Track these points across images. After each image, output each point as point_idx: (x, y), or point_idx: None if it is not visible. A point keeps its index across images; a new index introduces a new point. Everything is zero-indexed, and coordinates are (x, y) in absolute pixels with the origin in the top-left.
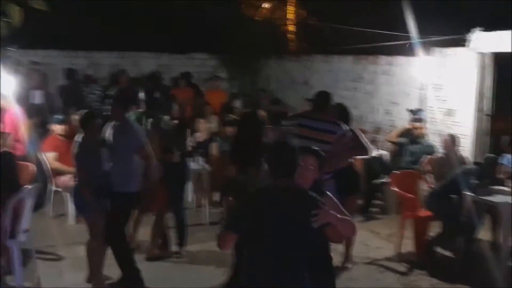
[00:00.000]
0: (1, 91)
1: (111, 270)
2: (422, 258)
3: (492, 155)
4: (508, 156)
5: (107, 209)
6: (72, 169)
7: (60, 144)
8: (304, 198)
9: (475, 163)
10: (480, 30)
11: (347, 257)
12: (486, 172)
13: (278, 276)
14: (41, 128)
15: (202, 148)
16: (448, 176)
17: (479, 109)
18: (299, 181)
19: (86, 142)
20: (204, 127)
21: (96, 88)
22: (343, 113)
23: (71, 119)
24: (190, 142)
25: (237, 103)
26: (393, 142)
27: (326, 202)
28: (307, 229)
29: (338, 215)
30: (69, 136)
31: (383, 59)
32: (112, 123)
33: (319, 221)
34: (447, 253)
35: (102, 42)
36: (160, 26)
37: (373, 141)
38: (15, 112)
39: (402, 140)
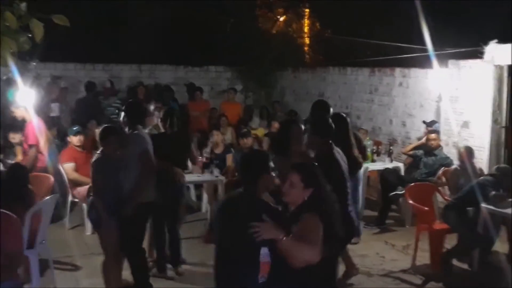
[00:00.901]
0: (23, 104)
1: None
2: (437, 271)
3: (505, 165)
4: None
5: (122, 222)
6: (89, 180)
7: (78, 155)
8: (250, 209)
9: (490, 174)
10: (496, 43)
11: (348, 266)
12: (501, 183)
13: (221, 279)
14: (59, 140)
15: (218, 160)
16: (464, 188)
17: (495, 121)
18: (287, 197)
19: (104, 155)
20: (220, 139)
21: (115, 100)
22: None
23: (89, 131)
24: (205, 154)
25: (255, 121)
26: (408, 155)
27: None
28: (247, 239)
29: (288, 238)
30: (87, 147)
31: (399, 71)
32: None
33: (258, 235)
34: (464, 266)
35: (120, 55)
36: (178, 39)
37: (389, 153)
38: (36, 124)
39: (418, 152)
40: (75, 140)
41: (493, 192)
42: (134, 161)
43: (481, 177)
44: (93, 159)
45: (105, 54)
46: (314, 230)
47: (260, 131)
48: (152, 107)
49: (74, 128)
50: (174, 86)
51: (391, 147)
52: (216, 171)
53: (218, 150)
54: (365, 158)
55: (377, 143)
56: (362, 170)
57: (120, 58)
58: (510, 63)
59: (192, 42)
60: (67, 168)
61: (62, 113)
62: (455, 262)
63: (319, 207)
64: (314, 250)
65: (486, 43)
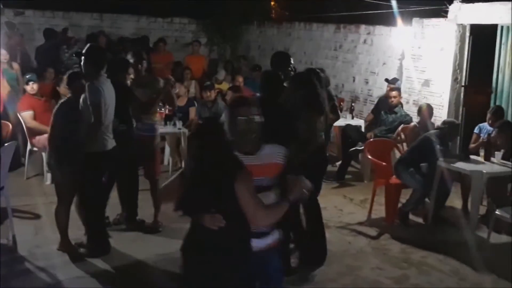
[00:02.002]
0: None
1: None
2: (391, 223)
3: (451, 119)
4: (485, 126)
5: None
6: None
7: (36, 103)
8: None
9: (437, 128)
10: (459, 2)
11: None
12: (447, 137)
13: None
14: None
15: (181, 113)
16: (412, 143)
17: (455, 80)
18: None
19: (67, 103)
20: (183, 92)
21: (76, 50)
22: None
23: (46, 79)
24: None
25: (221, 73)
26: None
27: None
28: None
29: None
30: (46, 95)
31: (364, 28)
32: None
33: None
34: (419, 220)
35: (81, 2)
36: None
37: (351, 110)
38: None
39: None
40: (28, 88)
41: (439, 147)
42: (87, 112)
43: (427, 132)
44: (56, 106)
45: (65, 1)
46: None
47: (224, 85)
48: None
49: (27, 76)
50: (137, 36)
51: (353, 104)
52: (178, 124)
53: (181, 103)
54: (337, 117)
55: (340, 100)
56: None
57: (81, 6)
58: (472, 22)
59: None
60: (25, 116)
61: (19, 60)
62: (410, 216)
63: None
64: (264, 214)
65: (450, 2)
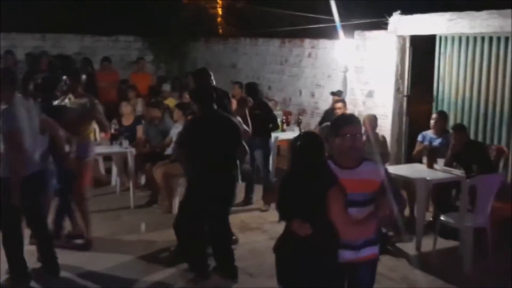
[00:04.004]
0: None
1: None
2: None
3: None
4: (428, 133)
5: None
6: None
7: None
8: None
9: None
10: (399, 14)
11: None
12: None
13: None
14: None
15: (127, 132)
16: None
17: (398, 90)
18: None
19: None
20: (129, 110)
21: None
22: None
23: None
24: (113, 125)
25: (166, 87)
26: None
27: None
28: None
29: None
30: None
31: (308, 42)
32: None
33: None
34: None
35: (23, 23)
36: (85, 7)
37: (298, 123)
38: None
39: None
40: None
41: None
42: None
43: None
44: None
45: (7, 22)
46: None
47: (171, 101)
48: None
49: None
50: (81, 56)
51: (300, 117)
52: (125, 143)
53: (127, 122)
54: (276, 127)
55: (287, 113)
56: (272, 140)
57: (23, 27)
58: (412, 33)
59: (100, 10)
60: None
61: None
62: None
63: None
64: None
65: (390, 15)
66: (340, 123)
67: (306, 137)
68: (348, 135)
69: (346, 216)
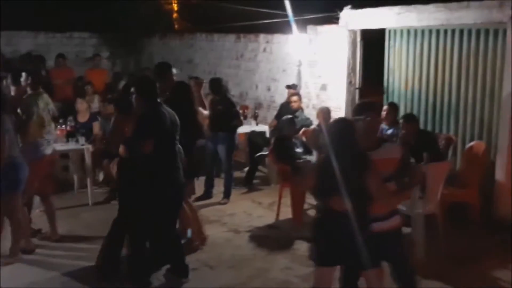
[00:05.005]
0: None
1: None
2: (298, 224)
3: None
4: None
5: None
6: None
7: None
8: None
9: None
10: (349, 8)
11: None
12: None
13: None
14: None
15: (83, 128)
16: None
17: (350, 83)
18: None
19: None
20: (85, 107)
21: None
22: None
23: None
24: (69, 122)
25: (123, 84)
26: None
27: None
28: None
29: None
30: None
31: (263, 37)
32: None
33: None
34: None
35: None
36: (38, 3)
37: (255, 117)
38: None
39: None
40: None
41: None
42: None
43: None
44: None
45: None
46: None
47: None
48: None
49: None
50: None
51: (257, 111)
52: (81, 140)
53: (83, 119)
54: (239, 123)
55: (244, 108)
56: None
57: None
58: (362, 27)
59: (53, 6)
60: None
61: None
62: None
63: None
64: None
65: (341, 9)
66: (360, 110)
67: (339, 123)
68: (368, 119)
69: (385, 191)
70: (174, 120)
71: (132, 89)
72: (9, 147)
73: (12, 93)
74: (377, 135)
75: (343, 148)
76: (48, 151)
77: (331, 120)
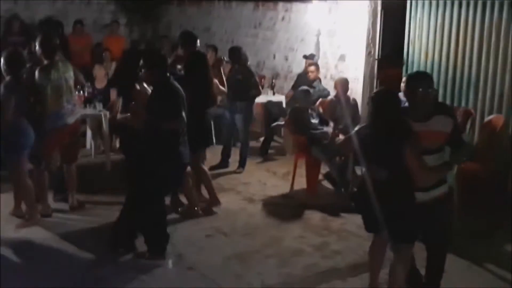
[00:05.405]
0: None
1: None
2: (311, 194)
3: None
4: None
5: None
6: None
7: None
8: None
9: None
10: None
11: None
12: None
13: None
14: None
15: (100, 95)
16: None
17: (369, 54)
18: None
19: None
20: (102, 74)
21: None
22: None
23: None
24: (88, 88)
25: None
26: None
27: None
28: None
29: None
30: None
31: (281, 5)
32: None
33: None
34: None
35: None
36: None
37: (272, 87)
38: None
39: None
40: None
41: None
42: None
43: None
44: None
45: None
46: None
47: None
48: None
49: None
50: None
51: (274, 81)
52: (99, 106)
53: (101, 85)
54: (258, 93)
55: (261, 77)
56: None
57: None
58: None
59: None
60: None
61: None
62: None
63: None
64: None
65: None
66: (413, 80)
67: (381, 94)
68: (420, 90)
69: (422, 163)
70: (182, 94)
71: (141, 62)
72: (15, 112)
73: None
74: (428, 107)
75: (381, 117)
76: (70, 120)
77: (349, 91)
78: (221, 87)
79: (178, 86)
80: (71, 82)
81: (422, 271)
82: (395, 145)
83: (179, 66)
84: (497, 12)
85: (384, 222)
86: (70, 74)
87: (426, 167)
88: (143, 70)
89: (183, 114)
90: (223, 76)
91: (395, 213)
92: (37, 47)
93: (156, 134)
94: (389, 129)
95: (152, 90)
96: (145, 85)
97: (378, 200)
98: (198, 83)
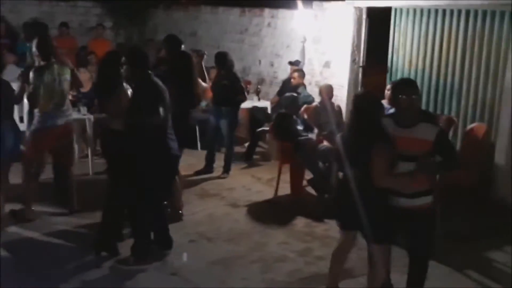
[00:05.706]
0: None
1: None
2: (295, 199)
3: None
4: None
5: None
6: None
7: None
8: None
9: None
10: None
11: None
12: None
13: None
14: None
15: (85, 98)
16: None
17: (353, 61)
18: None
19: None
20: (87, 77)
21: None
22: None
23: None
24: (71, 92)
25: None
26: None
27: None
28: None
29: None
30: None
31: (267, 11)
32: None
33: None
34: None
35: None
36: None
37: (257, 92)
38: None
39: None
40: None
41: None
42: None
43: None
44: None
45: None
46: None
47: None
48: None
49: None
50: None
51: (259, 87)
52: (83, 110)
53: (85, 88)
54: (243, 98)
55: (246, 83)
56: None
57: None
58: (368, 5)
59: None
60: None
61: None
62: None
63: None
64: None
65: None
66: (399, 86)
67: (362, 96)
68: (405, 97)
69: (383, 170)
70: (164, 89)
71: (123, 60)
72: None
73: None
74: (413, 113)
75: (360, 118)
76: (60, 121)
77: (333, 97)
78: (202, 83)
79: (160, 82)
80: (66, 85)
81: (404, 277)
82: (368, 146)
83: (162, 68)
84: (480, 21)
85: (355, 219)
86: (66, 77)
87: (386, 174)
88: (124, 67)
89: (166, 108)
90: (204, 71)
91: (366, 211)
92: (33, 49)
93: (142, 132)
94: (366, 130)
95: (133, 88)
96: (125, 85)
97: (350, 197)
98: (183, 83)
